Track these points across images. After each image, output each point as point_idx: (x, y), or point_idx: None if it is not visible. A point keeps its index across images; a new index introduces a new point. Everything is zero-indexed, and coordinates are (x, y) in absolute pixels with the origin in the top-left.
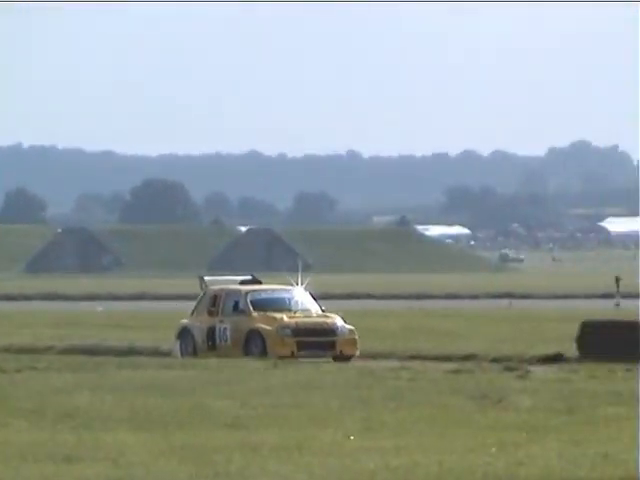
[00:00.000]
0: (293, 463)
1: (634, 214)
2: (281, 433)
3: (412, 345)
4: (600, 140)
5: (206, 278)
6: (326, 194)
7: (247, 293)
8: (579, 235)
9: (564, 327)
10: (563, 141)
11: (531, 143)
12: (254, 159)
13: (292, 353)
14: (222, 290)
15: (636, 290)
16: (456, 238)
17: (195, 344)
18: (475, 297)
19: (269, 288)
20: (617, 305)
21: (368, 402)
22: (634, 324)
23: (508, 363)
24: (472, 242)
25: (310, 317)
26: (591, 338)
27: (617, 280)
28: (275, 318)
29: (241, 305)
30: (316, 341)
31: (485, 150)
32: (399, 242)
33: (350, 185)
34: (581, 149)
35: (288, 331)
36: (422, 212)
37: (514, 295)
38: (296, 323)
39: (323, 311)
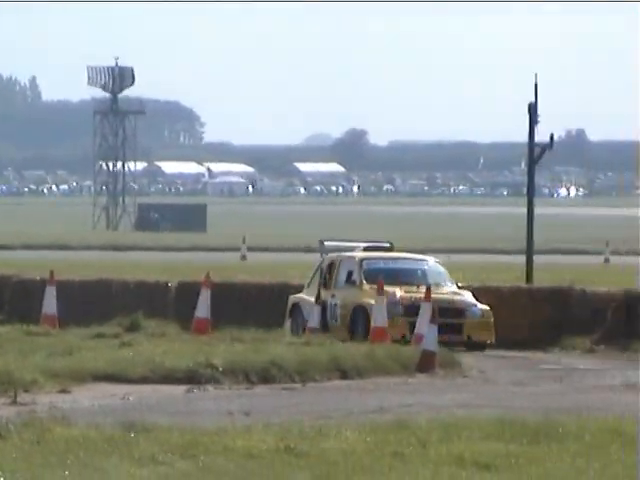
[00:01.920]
0: None
1: None
2: None
3: None
4: None
5: (326, 243)
6: None
7: (362, 260)
8: None
9: None
10: None
11: None
12: None
13: (403, 336)
14: (338, 258)
15: None
16: None
17: (305, 323)
18: None
19: (392, 256)
20: None
21: None
22: None
23: None
24: None
25: (433, 293)
26: None
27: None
28: (387, 292)
29: (354, 276)
30: (439, 323)
31: None
32: None
33: None
34: None
35: (400, 308)
36: None
37: None
38: (412, 299)
39: (459, 288)
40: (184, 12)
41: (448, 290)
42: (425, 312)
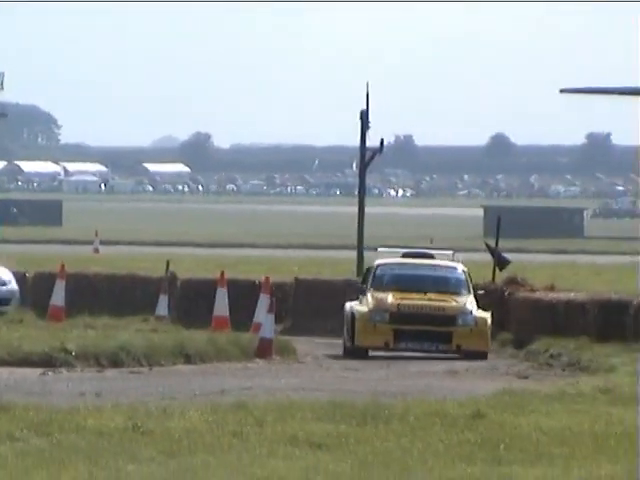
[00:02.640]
0: None
1: None
2: None
3: None
4: None
5: (380, 249)
6: None
7: (378, 266)
8: None
9: None
10: None
11: None
12: None
13: (386, 344)
14: (374, 264)
15: None
16: None
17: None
18: None
19: (412, 263)
20: None
21: None
22: None
23: None
24: None
25: (424, 299)
26: None
27: None
28: (378, 298)
29: (369, 282)
30: (423, 330)
31: None
32: None
33: None
34: None
35: (385, 316)
36: None
37: None
38: (399, 306)
39: (477, 293)
40: (39, 18)
41: (455, 298)
42: (263, 302)
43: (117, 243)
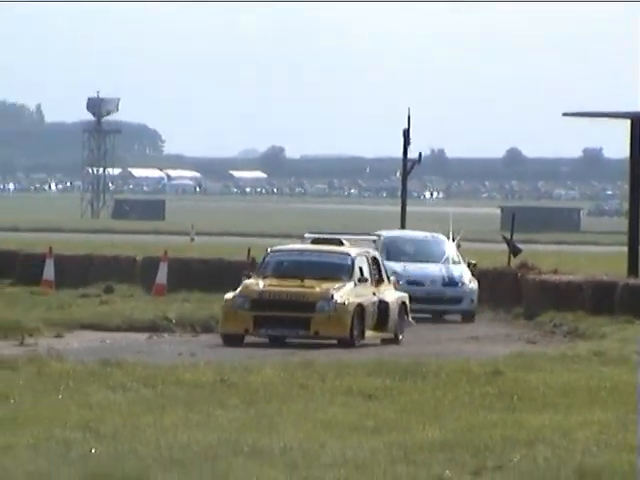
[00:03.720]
0: None
1: None
2: None
3: None
4: None
5: (306, 235)
6: None
7: (269, 253)
8: None
9: None
10: None
11: None
12: None
13: (246, 330)
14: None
15: None
16: None
17: None
18: None
19: (301, 249)
20: None
21: None
22: None
23: None
24: None
25: (286, 286)
26: None
27: None
28: (247, 284)
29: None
30: (283, 316)
31: None
32: None
33: None
34: None
35: (245, 302)
36: None
37: None
38: (260, 292)
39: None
40: (153, 50)
41: (332, 284)
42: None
43: (209, 234)
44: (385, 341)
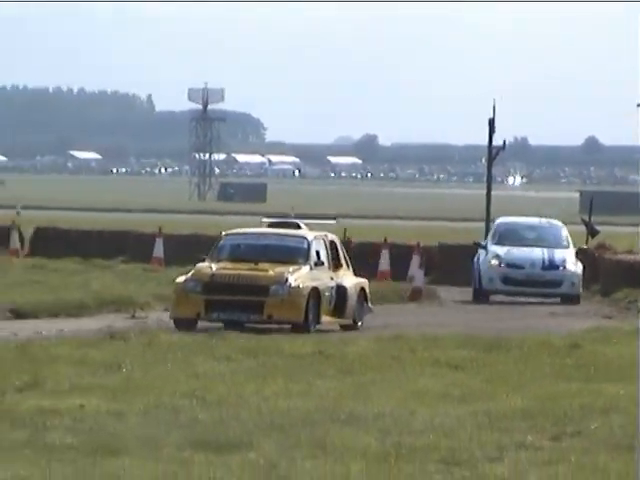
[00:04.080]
0: None
1: None
2: None
3: None
4: None
5: (263, 220)
6: None
7: (224, 237)
8: None
9: None
10: None
11: None
12: None
13: (198, 315)
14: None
15: None
16: None
17: None
18: None
19: (257, 232)
20: None
21: None
22: None
23: None
24: None
25: (239, 269)
26: None
27: None
28: (197, 269)
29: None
30: (234, 300)
31: None
32: None
33: None
34: None
35: (197, 286)
36: None
37: None
38: (212, 275)
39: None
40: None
41: (287, 267)
42: (415, 260)
43: (307, 216)
44: (344, 327)
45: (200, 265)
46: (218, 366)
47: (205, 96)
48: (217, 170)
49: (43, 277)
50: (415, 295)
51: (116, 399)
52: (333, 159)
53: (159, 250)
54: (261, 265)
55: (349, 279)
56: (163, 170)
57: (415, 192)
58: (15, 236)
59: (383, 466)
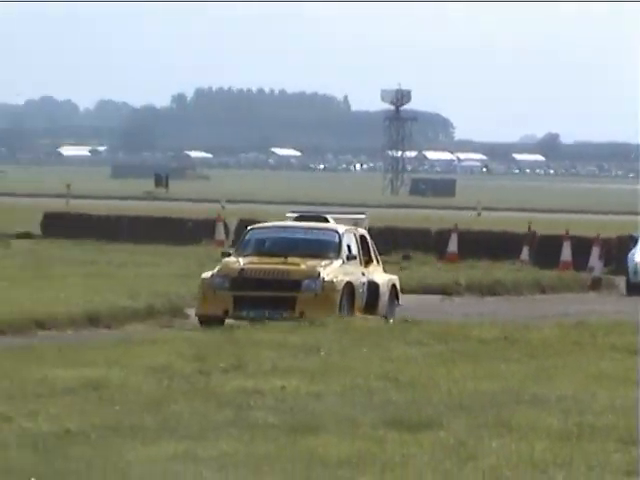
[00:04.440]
0: None
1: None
2: None
3: None
4: None
5: (287, 214)
6: None
7: (249, 231)
8: (42, 157)
9: (31, 215)
10: None
11: None
12: None
13: (225, 312)
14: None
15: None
16: None
17: None
18: None
19: (284, 225)
20: (67, 203)
21: None
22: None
23: None
24: None
25: (268, 264)
26: (50, 223)
27: (68, 186)
28: (225, 263)
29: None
30: (266, 296)
31: None
32: None
33: None
34: None
35: (225, 281)
36: None
37: None
38: (241, 271)
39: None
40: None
41: (319, 262)
42: (595, 252)
43: (494, 209)
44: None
45: (227, 260)
46: (410, 350)
47: (397, 97)
48: (409, 167)
49: None
50: (595, 285)
51: (315, 381)
52: (518, 156)
53: None
54: (291, 259)
55: (380, 275)
56: (358, 166)
57: (595, 187)
58: (220, 228)
59: (565, 444)
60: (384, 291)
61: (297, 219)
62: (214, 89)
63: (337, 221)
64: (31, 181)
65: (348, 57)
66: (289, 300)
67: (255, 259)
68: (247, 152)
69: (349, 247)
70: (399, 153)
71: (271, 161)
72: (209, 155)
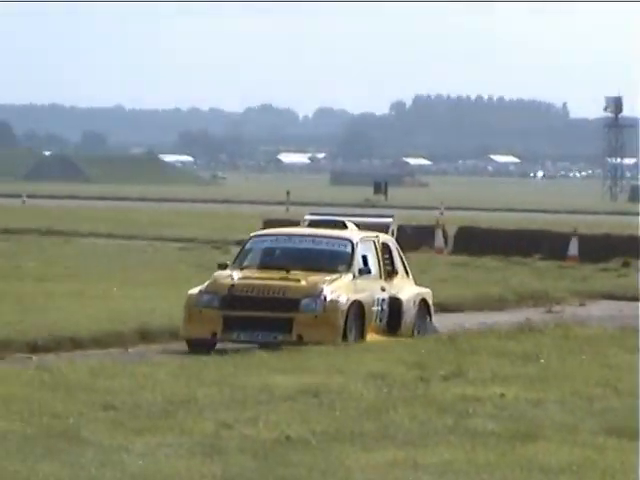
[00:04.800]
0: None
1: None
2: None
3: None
4: None
5: (305, 217)
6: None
7: (250, 239)
8: (262, 164)
9: (251, 222)
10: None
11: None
12: None
13: (214, 334)
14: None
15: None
16: (183, 163)
17: None
18: (195, 201)
19: (290, 233)
20: (287, 210)
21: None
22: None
23: (215, 244)
24: (195, 166)
25: (265, 279)
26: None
27: (287, 193)
28: (215, 278)
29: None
30: (258, 317)
31: None
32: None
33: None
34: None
35: (213, 299)
36: (163, 146)
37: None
38: (232, 287)
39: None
40: None
41: (323, 276)
42: None
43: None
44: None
45: (219, 274)
46: (630, 357)
47: (617, 104)
48: (628, 173)
49: (465, 273)
50: None
51: (534, 388)
52: None
53: (574, 248)
54: (293, 273)
55: (407, 289)
56: (577, 173)
57: None
58: (439, 235)
59: None
60: (409, 307)
61: (311, 225)
62: (433, 96)
63: (360, 227)
64: (250, 188)
65: (567, 64)
66: (285, 322)
67: (251, 273)
68: (465, 159)
69: (365, 258)
70: (617, 160)
71: (490, 168)
72: (428, 162)
